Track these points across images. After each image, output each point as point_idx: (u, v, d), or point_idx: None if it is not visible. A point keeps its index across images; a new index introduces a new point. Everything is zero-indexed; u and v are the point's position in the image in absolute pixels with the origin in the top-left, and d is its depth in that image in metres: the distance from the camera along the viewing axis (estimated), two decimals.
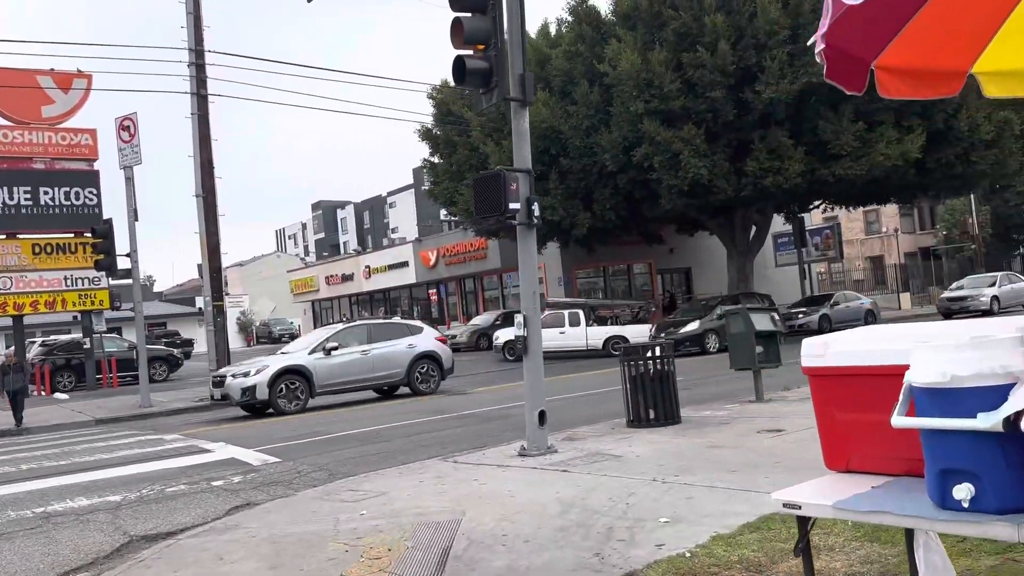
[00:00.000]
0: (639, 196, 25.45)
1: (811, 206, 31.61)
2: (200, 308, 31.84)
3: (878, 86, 2.73)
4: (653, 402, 9.36)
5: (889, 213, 52.31)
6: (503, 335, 26.85)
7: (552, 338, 25.88)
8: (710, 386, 14.31)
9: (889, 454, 2.36)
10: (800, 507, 2.29)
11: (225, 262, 21.04)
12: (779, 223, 33.28)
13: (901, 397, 2.03)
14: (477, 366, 25.78)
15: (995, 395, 1.89)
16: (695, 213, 27.44)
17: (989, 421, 1.84)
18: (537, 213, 8.46)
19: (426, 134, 30.54)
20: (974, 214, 41.35)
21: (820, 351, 2.53)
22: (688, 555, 4.72)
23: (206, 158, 19.73)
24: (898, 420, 1.98)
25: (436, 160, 31.17)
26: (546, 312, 27.77)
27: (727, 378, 15.12)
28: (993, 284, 31.39)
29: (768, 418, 9.38)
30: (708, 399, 12.09)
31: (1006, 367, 1.90)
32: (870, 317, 29.48)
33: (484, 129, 26.74)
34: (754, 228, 29.38)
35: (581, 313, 25.29)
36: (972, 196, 39.17)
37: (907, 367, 2.22)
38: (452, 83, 9.27)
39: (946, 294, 32.53)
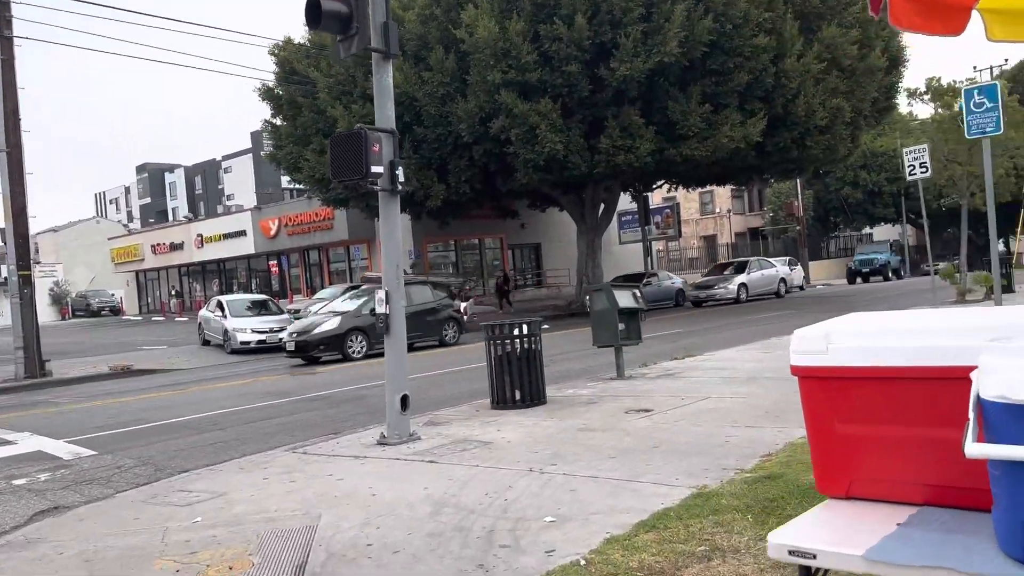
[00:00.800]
0: (495, 169, 24.99)
1: (655, 185, 32.41)
2: (4, 278, 28.47)
3: (890, 15, 2.30)
4: (519, 383, 8.87)
5: (722, 194, 55.01)
6: None
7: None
8: (567, 362, 14.09)
9: (908, 478, 1.90)
10: (815, 556, 1.74)
11: (35, 227, 18.73)
12: (624, 201, 33.93)
13: (971, 416, 1.55)
14: None
15: None
16: (549, 188, 27.35)
17: None
18: (402, 178, 7.69)
19: (268, 94, 28.57)
20: (799, 197, 44.12)
21: (819, 346, 2.03)
22: (583, 563, 4.21)
23: (11, 108, 17.41)
24: (978, 449, 1.50)
25: (278, 122, 29.27)
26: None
27: (582, 354, 14.99)
28: (743, 270, 29.71)
29: (633, 397, 9.14)
30: (569, 376, 11.82)
31: None
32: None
33: (332, 91, 25.29)
34: (603, 205, 29.72)
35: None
36: (798, 180, 41.70)
37: (951, 369, 1.75)
38: (296, 39, 8.21)
39: (698, 282, 31.57)
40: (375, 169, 7.34)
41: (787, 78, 23.15)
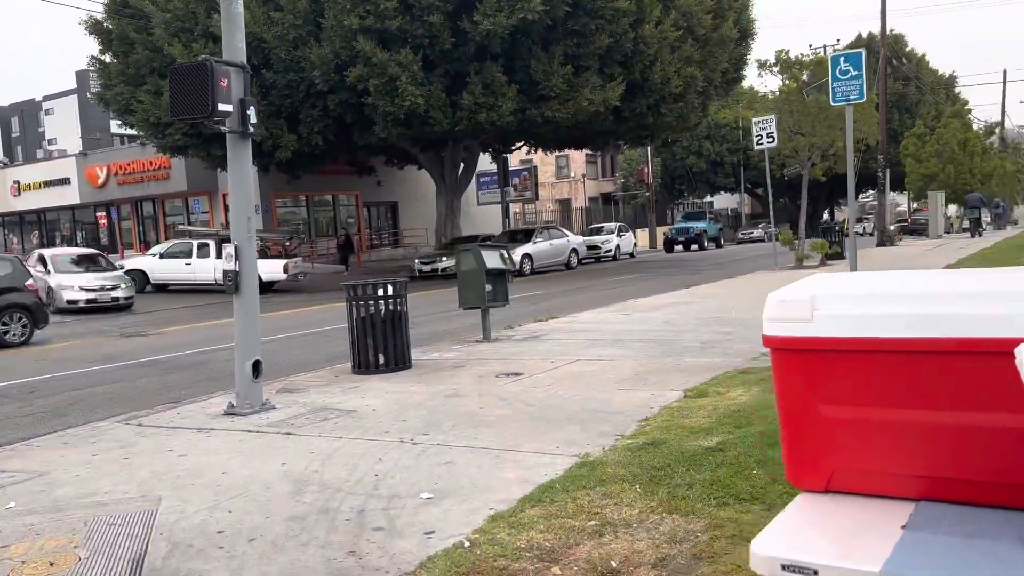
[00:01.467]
0: (351, 121, 23.82)
1: (515, 146, 32.22)
2: None
3: None
4: (384, 346, 8.35)
5: (577, 159, 55.84)
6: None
7: (178, 270, 24.03)
8: (430, 324, 13.64)
9: (904, 470, 1.61)
10: (816, 572, 1.41)
11: None
12: (483, 163, 33.57)
13: None
14: (156, 301, 22.82)
15: None
16: (408, 145, 26.49)
17: None
18: (254, 119, 6.89)
19: (96, 27, 25.83)
20: (649, 164, 45.40)
21: (803, 313, 1.70)
22: (467, 544, 3.83)
23: None
24: None
25: (108, 60, 26.58)
26: (174, 242, 25.53)
27: (444, 316, 14.59)
28: (529, 239, 26.65)
29: (502, 360, 8.84)
30: (433, 339, 11.38)
31: None
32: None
33: (170, 27, 23.17)
34: (462, 165, 29.21)
35: (212, 245, 23.57)
36: (648, 148, 42.82)
37: (972, 342, 1.46)
38: None
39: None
40: (223, 107, 6.52)
41: (645, 44, 23.39)
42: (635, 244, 37.49)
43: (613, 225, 37.39)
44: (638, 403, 6.35)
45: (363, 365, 8.36)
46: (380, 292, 8.29)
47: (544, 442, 5.41)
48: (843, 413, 1.70)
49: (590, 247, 32.24)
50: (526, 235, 28.04)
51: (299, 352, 11.28)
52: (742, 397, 6.20)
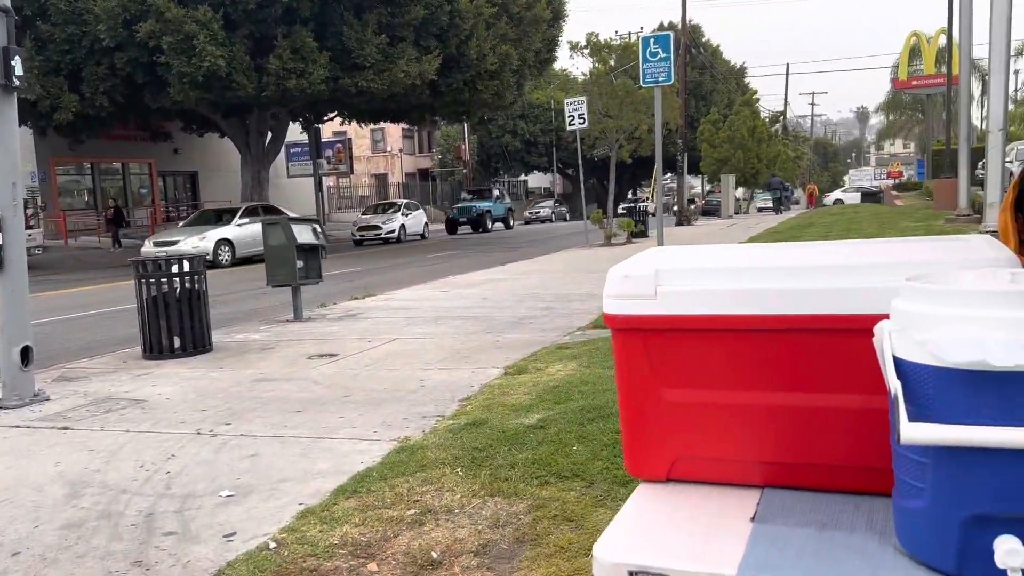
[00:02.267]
0: (142, 81, 21.84)
1: (327, 117, 31.08)
2: None
3: None
4: (179, 328, 7.64)
5: (394, 133, 54.94)
6: None
7: None
8: (235, 303, 12.80)
9: (750, 456, 1.50)
10: None
11: None
12: (294, 132, 32.13)
13: (894, 386, 1.13)
14: None
15: None
16: (208, 110, 24.73)
17: None
18: (20, 71, 5.98)
19: None
20: (466, 141, 45.51)
21: (646, 289, 1.53)
22: (273, 545, 3.49)
23: None
24: (922, 432, 1.08)
25: None
26: None
27: (251, 294, 13.76)
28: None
29: (315, 341, 8.39)
30: (238, 319, 10.65)
31: None
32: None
33: None
34: (270, 134, 27.76)
35: None
36: (465, 124, 42.90)
37: (829, 319, 1.35)
38: None
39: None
40: None
41: (461, 18, 23.22)
42: (427, 224, 33.51)
43: (400, 202, 33.57)
44: (458, 383, 6.19)
45: (155, 349, 7.61)
46: (175, 268, 7.56)
47: (361, 427, 5.12)
48: (688, 397, 1.58)
49: (365, 227, 29.24)
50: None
51: (80, 336, 10.16)
52: (560, 373, 6.20)
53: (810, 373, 1.47)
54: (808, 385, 1.47)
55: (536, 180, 66.75)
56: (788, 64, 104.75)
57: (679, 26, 36.03)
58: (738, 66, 60.38)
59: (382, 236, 29.26)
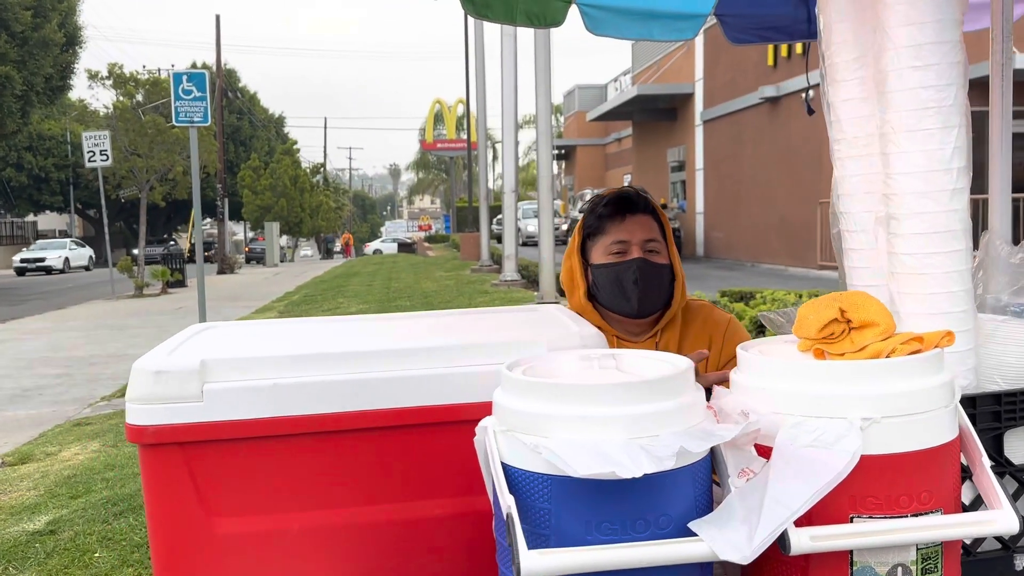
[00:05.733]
0: None
1: None
2: None
3: None
4: None
5: None
6: None
7: None
8: None
9: None
10: None
11: None
12: None
13: (506, 502, 0.87)
14: None
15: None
16: None
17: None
18: None
19: None
20: None
21: (186, 388, 1.06)
22: None
23: None
24: (544, 561, 0.81)
25: None
26: None
27: None
28: None
29: None
30: None
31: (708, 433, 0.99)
32: None
33: None
34: None
35: None
36: None
37: (423, 411, 1.08)
38: None
39: None
40: None
41: None
42: None
43: None
44: None
45: None
46: None
47: None
48: (251, 526, 1.20)
49: None
50: None
51: None
52: (79, 457, 5.17)
53: (407, 478, 1.23)
54: (407, 493, 1.23)
55: (49, 221, 58.34)
56: (326, 119, 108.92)
57: (214, 68, 34.85)
58: (277, 115, 60.55)
59: None
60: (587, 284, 1.98)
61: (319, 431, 1.21)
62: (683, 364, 1.14)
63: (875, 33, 1.40)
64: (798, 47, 15.00)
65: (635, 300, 1.91)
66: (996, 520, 1.06)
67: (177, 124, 9.53)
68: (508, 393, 1.08)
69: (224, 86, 35.82)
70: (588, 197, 24.50)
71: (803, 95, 2.03)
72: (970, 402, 1.32)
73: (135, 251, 24.59)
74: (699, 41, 21.42)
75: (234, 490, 1.19)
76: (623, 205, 1.98)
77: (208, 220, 40.06)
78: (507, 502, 0.97)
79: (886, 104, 1.37)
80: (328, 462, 1.22)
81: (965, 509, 1.27)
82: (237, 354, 1.26)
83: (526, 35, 12.95)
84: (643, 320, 1.98)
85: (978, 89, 2.11)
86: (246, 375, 1.21)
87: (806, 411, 1.09)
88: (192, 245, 38.60)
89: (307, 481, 1.21)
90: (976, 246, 1.51)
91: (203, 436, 1.17)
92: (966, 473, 1.18)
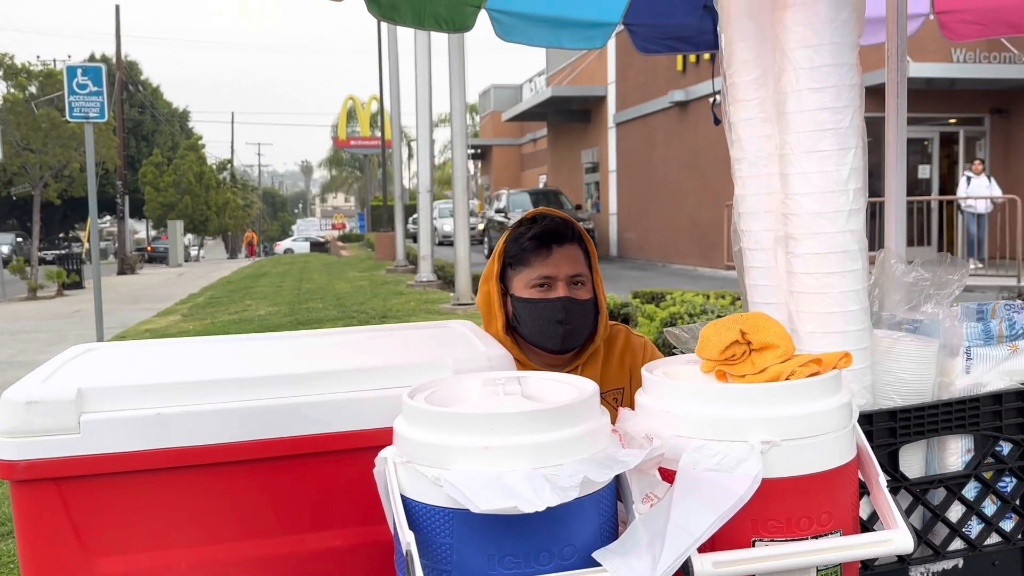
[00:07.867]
0: None
1: None
2: None
3: None
4: None
5: None
6: None
7: None
8: None
9: None
10: None
11: None
12: None
13: (406, 545, 0.83)
14: None
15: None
16: None
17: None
18: None
19: None
20: None
21: (62, 419, 0.97)
22: None
23: None
24: None
25: None
26: None
27: None
28: None
29: None
30: None
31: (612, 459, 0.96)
32: None
33: None
34: None
35: None
36: None
37: (320, 439, 1.03)
38: None
39: None
40: None
41: None
42: None
43: None
44: None
45: None
46: None
47: None
48: (136, 564, 1.13)
49: None
50: None
51: None
52: None
53: (304, 509, 1.18)
54: (305, 524, 1.17)
55: None
56: (233, 113, 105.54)
57: (113, 60, 33.40)
58: (181, 109, 58.41)
59: None
60: (506, 315, 1.88)
61: (208, 463, 1.14)
62: (589, 388, 1.12)
63: (775, 54, 1.42)
64: (706, 54, 15.45)
65: (559, 339, 1.84)
66: (893, 539, 1.09)
67: (72, 119, 9.06)
68: (409, 423, 1.04)
69: (124, 78, 34.35)
70: (503, 197, 24.44)
71: (710, 101, 2.05)
72: (867, 419, 1.35)
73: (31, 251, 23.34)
74: (611, 44, 21.78)
75: (116, 527, 1.11)
76: (550, 237, 1.86)
77: (108, 218, 38.35)
78: (407, 539, 0.94)
79: (785, 125, 1.39)
80: (218, 495, 1.15)
81: (863, 525, 1.30)
82: (118, 381, 1.17)
83: (440, 34, 12.91)
84: (564, 355, 1.91)
85: (873, 95, 2.20)
86: (127, 404, 1.13)
87: (708, 434, 1.09)
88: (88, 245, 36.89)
89: (196, 516, 1.14)
90: (872, 263, 1.55)
91: (81, 470, 1.09)
92: (863, 489, 1.21)
